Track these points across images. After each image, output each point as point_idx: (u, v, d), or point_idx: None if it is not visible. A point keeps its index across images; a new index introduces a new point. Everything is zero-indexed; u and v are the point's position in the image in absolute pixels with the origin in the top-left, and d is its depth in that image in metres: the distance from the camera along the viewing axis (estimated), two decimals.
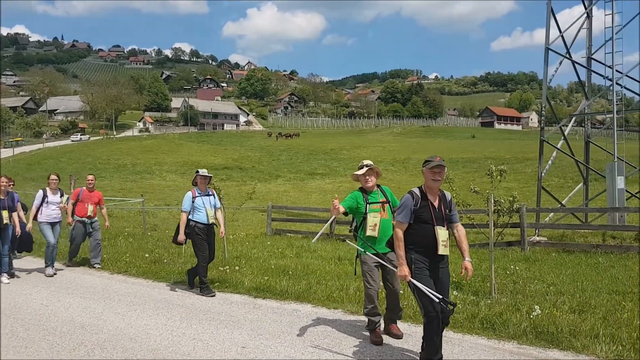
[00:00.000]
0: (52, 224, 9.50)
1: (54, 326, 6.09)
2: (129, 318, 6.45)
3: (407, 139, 74.47)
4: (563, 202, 15.32)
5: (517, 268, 8.82)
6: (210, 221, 7.86)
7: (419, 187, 4.67)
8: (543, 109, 15.71)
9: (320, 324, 6.08)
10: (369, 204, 5.54)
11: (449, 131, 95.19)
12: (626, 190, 13.54)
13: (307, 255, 10.77)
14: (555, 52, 14.98)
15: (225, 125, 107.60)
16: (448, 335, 5.60)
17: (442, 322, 4.42)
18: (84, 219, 9.93)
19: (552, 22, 15.07)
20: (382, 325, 5.60)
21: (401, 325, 5.76)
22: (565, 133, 15.26)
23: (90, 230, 10.02)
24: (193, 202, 7.83)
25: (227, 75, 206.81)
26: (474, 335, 5.52)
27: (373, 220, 5.45)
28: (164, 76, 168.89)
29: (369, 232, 5.44)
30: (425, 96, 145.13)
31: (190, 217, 7.83)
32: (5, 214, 8.62)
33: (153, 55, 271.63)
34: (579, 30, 15.34)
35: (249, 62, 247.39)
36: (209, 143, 67.93)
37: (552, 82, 16.24)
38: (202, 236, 7.77)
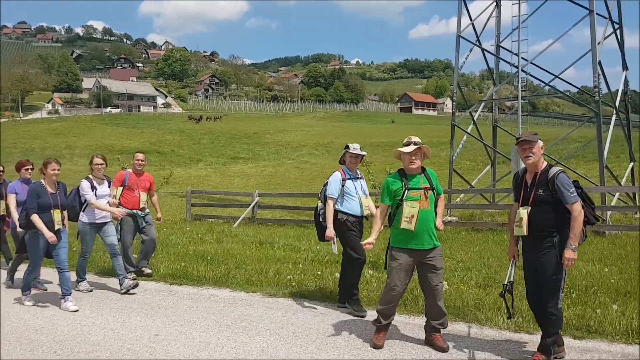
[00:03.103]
0: (100, 226, 6.99)
1: None
2: (34, 309, 6.12)
3: (330, 124, 75.21)
4: (472, 184, 16.19)
5: None
6: (365, 212, 5.92)
7: None
8: (454, 95, 16.43)
9: (238, 308, 6.06)
10: (408, 189, 4.66)
11: (370, 116, 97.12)
12: None
13: (227, 240, 10.70)
14: (466, 39, 15.66)
15: (141, 107, 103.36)
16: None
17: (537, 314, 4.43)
18: (134, 211, 7.62)
19: (465, 10, 15.74)
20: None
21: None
22: (475, 118, 16.07)
23: (144, 224, 7.74)
24: (342, 185, 5.89)
25: (143, 55, 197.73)
26: (371, 308, 5.70)
27: (410, 210, 4.57)
28: (74, 55, 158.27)
29: (403, 225, 4.58)
30: (347, 81, 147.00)
31: (337, 206, 5.86)
32: (57, 215, 6.23)
33: (63, 33, 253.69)
34: (488, 19, 16.12)
35: (166, 41, 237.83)
36: (124, 126, 64.84)
37: (465, 69, 17.08)
38: (355, 232, 5.85)
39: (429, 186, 4.69)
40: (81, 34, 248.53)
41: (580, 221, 4.07)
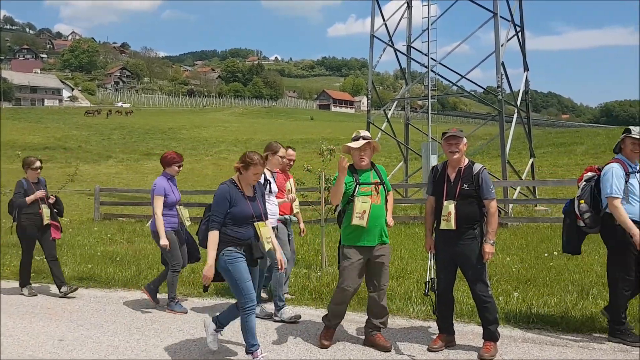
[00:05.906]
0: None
1: None
2: None
3: (249, 120, 74.40)
4: None
5: None
6: None
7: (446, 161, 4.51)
8: (369, 93, 16.84)
9: (148, 310, 5.85)
10: (359, 184, 4.49)
11: (290, 112, 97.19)
12: None
13: (140, 240, 10.32)
14: (380, 39, 16.10)
15: (45, 100, 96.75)
16: None
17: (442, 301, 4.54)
18: (286, 216, 6.01)
19: (378, 10, 16.15)
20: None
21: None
22: (389, 116, 16.57)
23: (290, 233, 6.16)
24: (626, 183, 4.50)
25: (48, 46, 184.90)
26: (303, 306, 5.77)
27: (362, 206, 4.38)
28: None
29: (355, 221, 4.38)
30: (266, 77, 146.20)
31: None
32: (265, 230, 4.44)
33: None
34: (400, 20, 16.65)
35: (73, 32, 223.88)
36: (26, 120, 60.35)
37: (380, 68, 17.61)
38: (638, 252, 4.51)
39: (380, 181, 4.55)
40: None
41: (496, 217, 4.34)
